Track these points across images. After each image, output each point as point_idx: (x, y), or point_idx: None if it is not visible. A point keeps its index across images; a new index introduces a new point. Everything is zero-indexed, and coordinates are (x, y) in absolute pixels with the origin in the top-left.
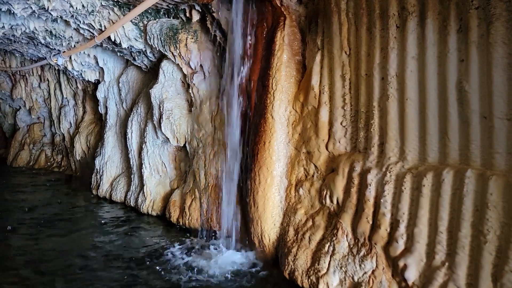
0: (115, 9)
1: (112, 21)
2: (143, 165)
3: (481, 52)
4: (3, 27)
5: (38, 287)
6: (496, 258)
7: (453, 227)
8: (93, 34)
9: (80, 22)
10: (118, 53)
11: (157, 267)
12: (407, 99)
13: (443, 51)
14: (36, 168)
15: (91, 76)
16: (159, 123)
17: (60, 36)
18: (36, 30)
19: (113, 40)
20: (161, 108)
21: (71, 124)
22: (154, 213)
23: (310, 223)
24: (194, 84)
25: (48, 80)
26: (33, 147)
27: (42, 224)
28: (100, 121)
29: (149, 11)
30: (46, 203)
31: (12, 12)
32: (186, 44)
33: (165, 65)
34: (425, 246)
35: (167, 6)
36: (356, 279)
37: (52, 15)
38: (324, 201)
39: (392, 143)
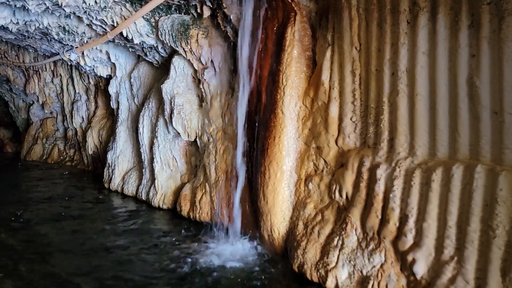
0: (127, 5)
1: (124, 17)
2: (155, 160)
3: (492, 47)
4: (18, 23)
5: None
6: (505, 252)
7: (462, 222)
8: (105, 30)
9: (92, 18)
10: (130, 49)
11: (167, 258)
12: (417, 95)
13: (454, 47)
14: (49, 162)
15: (103, 72)
16: (170, 118)
17: (73, 32)
18: (50, 26)
19: (125, 35)
20: (172, 103)
21: (83, 118)
22: (165, 207)
23: (319, 217)
24: (205, 79)
25: (60, 75)
26: (46, 141)
27: (55, 216)
28: (112, 116)
29: (161, 7)
30: (59, 196)
31: (26, 8)
32: (197, 40)
33: (176, 60)
34: (434, 240)
35: (178, 2)
36: (364, 273)
37: (65, 11)
38: (333, 195)
39: (402, 139)
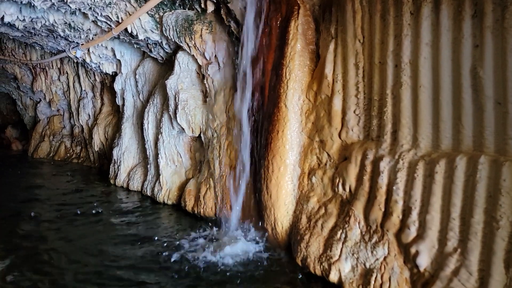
0: (132, 1)
1: (129, 13)
2: (159, 155)
3: (496, 37)
4: (24, 20)
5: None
6: (509, 244)
7: (465, 214)
8: (110, 26)
9: (97, 14)
10: (135, 45)
11: (170, 251)
12: (421, 86)
13: (457, 37)
14: (56, 159)
15: (109, 68)
16: (175, 113)
17: (78, 29)
18: (56, 22)
19: (130, 32)
20: (177, 99)
21: (89, 116)
22: (170, 202)
23: (322, 210)
24: (209, 74)
25: (67, 73)
26: (53, 138)
27: (62, 211)
28: (117, 112)
29: (165, 2)
30: (66, 192)
31: (32, 5)
32: (201, 35)
33: (180, 56)
34: (437, 232)
35: None
36: (368, 266)
37: (70, 7)
38: (336, 189)
39: (405, 131)
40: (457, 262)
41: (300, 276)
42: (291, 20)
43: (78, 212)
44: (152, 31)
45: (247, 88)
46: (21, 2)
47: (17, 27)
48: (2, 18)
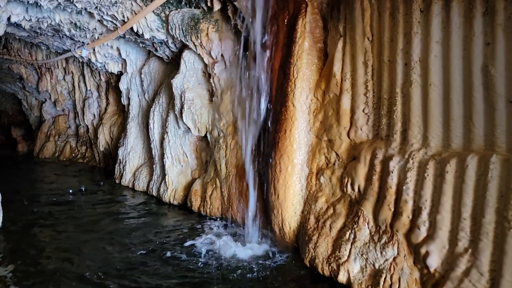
0: None
1: (135, 12)
2: (165, 155)
3: (507, 34)
4: (30, 19)
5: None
6: None
7: (476, 214)
8: (116, 25)
9: (103, 13)
10: (141, 44)
11: (179, 252)
12: (431, 85)
13: (468, 35)
14: (61, 159)
15: (114, 68)
16: (181, 113)
17: (84, 28)
18: (62, 22)
19: (135, 31)
20: (183, 98)
21: (94, 115)
22: (175, 202)
23: (331, 211)
24: (215, 73)
25: (72, 73)
26: (58, 138)
27: (67, 211)
28: (123, 112)
29: (171, 1)
30: (72, 192)
31: (39, 4)
32: (207, 34)
33: (186, 55)
34: (447, 233)
35: None
36: (377, 266)
37: (76, 7)
38: (345, 189)
39: (415, 130)
40: (468, 263)
41: (308, 277)
42: (299, 18)
43: (83, 211)
44: (158, 30)
45: (253, 87)
46: (28, 2)
47: (23, 27)
48: (9, 18)
